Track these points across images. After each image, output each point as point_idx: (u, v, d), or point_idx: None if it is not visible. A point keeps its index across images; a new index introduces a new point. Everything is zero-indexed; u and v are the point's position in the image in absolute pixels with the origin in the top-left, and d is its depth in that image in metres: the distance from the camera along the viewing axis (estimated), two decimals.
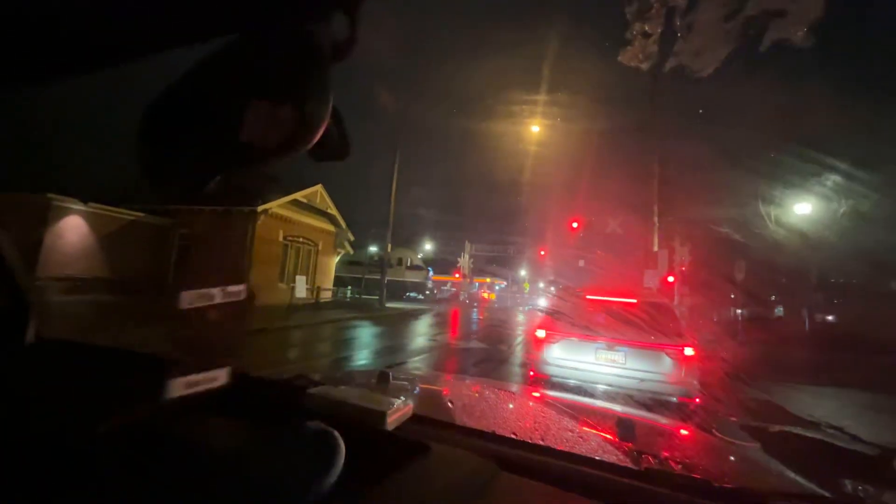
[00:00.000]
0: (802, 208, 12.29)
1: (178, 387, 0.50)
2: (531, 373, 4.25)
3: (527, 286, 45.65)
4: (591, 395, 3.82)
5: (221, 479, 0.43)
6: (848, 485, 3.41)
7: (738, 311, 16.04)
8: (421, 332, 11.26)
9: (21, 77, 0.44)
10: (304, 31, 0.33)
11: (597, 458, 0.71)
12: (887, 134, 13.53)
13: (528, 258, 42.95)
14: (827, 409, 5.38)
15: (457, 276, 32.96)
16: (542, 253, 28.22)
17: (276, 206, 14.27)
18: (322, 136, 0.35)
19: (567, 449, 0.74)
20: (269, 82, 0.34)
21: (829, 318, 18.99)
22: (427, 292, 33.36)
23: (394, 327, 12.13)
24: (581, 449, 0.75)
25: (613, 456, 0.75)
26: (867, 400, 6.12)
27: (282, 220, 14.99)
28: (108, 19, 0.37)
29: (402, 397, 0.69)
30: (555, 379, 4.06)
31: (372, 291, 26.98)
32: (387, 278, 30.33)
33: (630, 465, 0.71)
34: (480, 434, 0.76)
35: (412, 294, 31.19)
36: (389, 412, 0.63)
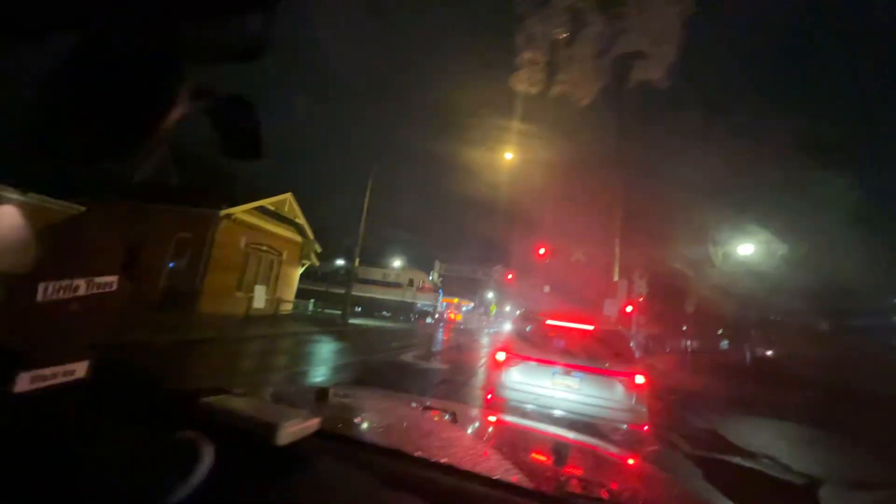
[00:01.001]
0: (745, 249, 13.39)
1: (26, 381, 0.46)
2: (489, 395, 4.22)
3: (493, 308, 46.03)
4: (543, 420, 3.84)
5: (62, 481, 0.40)
6: None
7: (689, 342, 16.93)
8: (381, 350, 10.98)
9: None
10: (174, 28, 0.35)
11: (495, 477, 0.69)
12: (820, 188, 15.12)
13: (496, 281, 43.51)
14: (763, 440, 5.69)
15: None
16: (510, 277, 28.84)
17: (240, 211, 13.74)
18: (229, 132, 0.35)
19: (468, 468, 0.72)
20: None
21: (769, 353, 20.45)
22: (437, 315, 32.66)
23: (353, 344, 11.75)
24: (482, 468, 0.74)
25: (517, 476, 0.74)
26: (799, 432, 6.56)
27: (245, 227, 14.41)
28: None
29: (310, 411, 0.67)
30: (512, 403, 4.05)
31: (369, 310, 26.26)
32: (400, 299, 29.67)
33: (530, 485, 0.71)
34: (385, 452, 0.74)
35: (417, 316, 30.37)
36: (284, 425, 0.60)
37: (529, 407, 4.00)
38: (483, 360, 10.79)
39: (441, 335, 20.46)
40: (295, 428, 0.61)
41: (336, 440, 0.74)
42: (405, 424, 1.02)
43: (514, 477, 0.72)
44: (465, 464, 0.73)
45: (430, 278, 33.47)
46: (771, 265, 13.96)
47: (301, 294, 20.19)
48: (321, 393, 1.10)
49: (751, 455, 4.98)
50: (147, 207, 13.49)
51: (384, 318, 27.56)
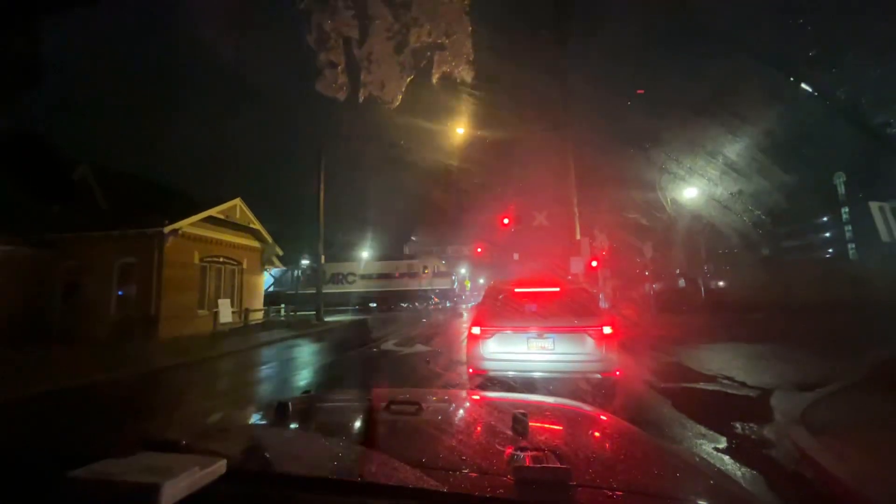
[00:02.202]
0: (689, 193, 14.30)
1: None
2: (470, 370, 4.33)
3: (468, 283, 46.71)
4: (522, 384, 4.01)
5: None
6: (738, 426, 3.93)
7: (651, 286, 18.08)
8: (359, 344, 10.88)
9: None
10: None
11: (444, 490, 0.65)
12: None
13: (467, 256, 44.05)
14: (721, 363, 6.27)
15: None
16: (479, 250, 29.35)
17: (187, 224, 12.85)
18: None
19: (411, 482, 0.67)
20: None
21: (721, 283, 22.29)
22: (455, 298, 32.68)
23: (330, 343, 11.56)
24: (428, 479, 0.68)
25: (470, 483, 0.72)
26: (750, 351, 7.26)
27: (196, 240, 13.54)
28: None
29: (235, 441, 0.62)
30: (493, 373, 4.18)
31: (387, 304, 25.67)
32: (417, 288, 29.37)
33: (487, 490, 0.68)
34: (311, 483, 0.68)
35: (436, 302, 30.41)
36: (167, 484, 0.53)
37: (511, 374, 4.15)
38: (464, 335, 10.99)
39: (420, 317, 20.60)
40: (186, 482, 0.55)
41: (249, 481, 0.67)
42: (352, 437, 0.98)
43: (467, 485, 0.70)
44: (412, 475, 0.68)
45: (444, 262, 33.45)
46: (712, 204, 15.05)
47: (273, 299, 19.52)
48: (281, 408, 1.05)
49: (711, 378, 5.48)
50: (79, 238, 12.34)
51: (402, 309, 27.71)
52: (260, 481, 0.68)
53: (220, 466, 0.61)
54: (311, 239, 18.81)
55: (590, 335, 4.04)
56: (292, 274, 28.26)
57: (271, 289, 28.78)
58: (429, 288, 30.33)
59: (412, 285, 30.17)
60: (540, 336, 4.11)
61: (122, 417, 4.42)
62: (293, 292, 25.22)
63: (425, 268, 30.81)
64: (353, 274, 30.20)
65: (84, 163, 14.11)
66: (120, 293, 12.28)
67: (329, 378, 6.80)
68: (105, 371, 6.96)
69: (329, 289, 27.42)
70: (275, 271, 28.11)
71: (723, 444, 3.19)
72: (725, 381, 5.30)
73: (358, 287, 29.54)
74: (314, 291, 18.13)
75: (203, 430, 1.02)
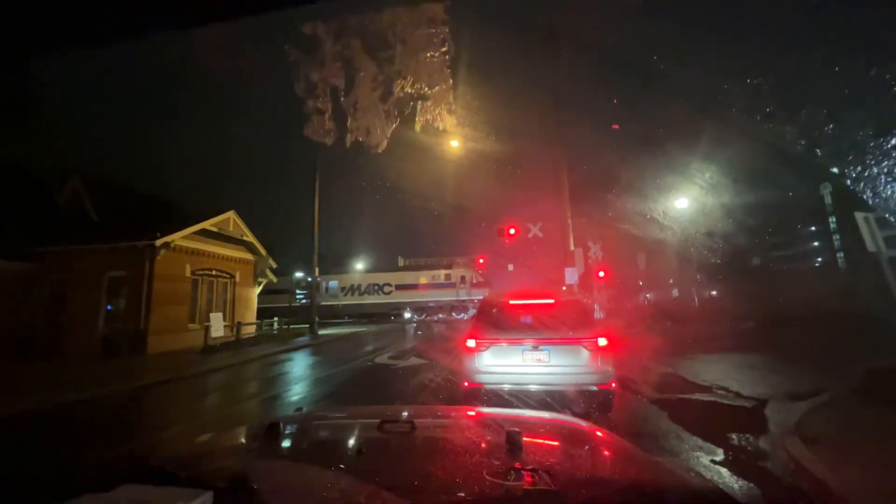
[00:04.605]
0: (681, 203, 14.54)
1: None
2: (465, 384, 4.28)
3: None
4: (517, 397, 3.98)
5: None
6: (734, 438, 3.91)
7: (645, 296, 18.20)
8: (354, 357, 10.72)
9: None
10: None
11: None
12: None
13: (462, 266, 44.13)
14: (715, 373, 6.28)
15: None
16: (481, 261, 29.49)
17: (179, 237, 12.74)
18: None
19: None
20: None
21: (713, 293, 22.49)
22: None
23: (324, 357, 11.39)
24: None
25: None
26: (743, 361, 7.30)
27: (188, 253, 13.41)
28: None
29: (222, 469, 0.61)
30: (488, 386, 4.14)
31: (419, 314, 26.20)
32: (450, 298, 29.23)
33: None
34: None
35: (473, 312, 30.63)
36: None
37: (506, 387, 4.11)
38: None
39: (416, 330, 20.46)
40: None
41: None
42: (343, 460, 0.96)
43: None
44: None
45: (479, 272, 33.55)
46: (703, 214, 15.31)
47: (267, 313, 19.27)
48: (271, 429, 1.03)
49: (706, 389, 5.48)
50: (68, 251, 12.16)
51: (439, 320, 28.13)
52: None
53: (207, 498, 0.59)
54: (329, 250, 18.89)
55: (585, 347, 4.03)
56: (326, 286, 28.55)
57: (303, 301, 28.72)
58: (466, 298, 30.35)
59: (449, 295, 30.20)
60: (535, 348, 4.09)
61: (104, 439, 4.27)
62: (330, 304, 25.68)
63: (463, 278, 30.92)
64: (390, 284, 30.27)
65: (75, 175, 14.01)
66: (109, 307, 12.08)
67: (321, 394, 6.68)
68: (89, 388, 6.76)
69: (365, 299, 27.53)
70: (301, 281, 28.23)
71: (719, 455, 3.18)
72: (720, 392, 5.29)
73: (394, 298, 29.61)
74: (355, 303, 17.96)
75: (189, 453, 1.00)
